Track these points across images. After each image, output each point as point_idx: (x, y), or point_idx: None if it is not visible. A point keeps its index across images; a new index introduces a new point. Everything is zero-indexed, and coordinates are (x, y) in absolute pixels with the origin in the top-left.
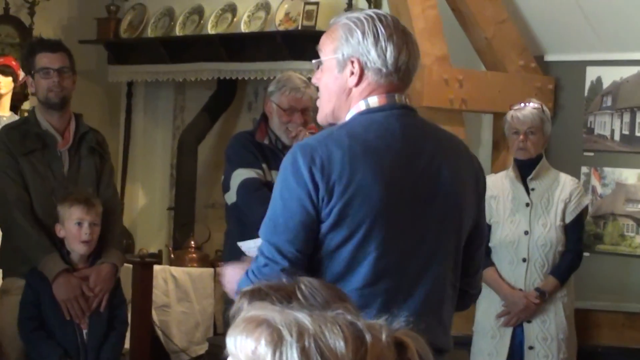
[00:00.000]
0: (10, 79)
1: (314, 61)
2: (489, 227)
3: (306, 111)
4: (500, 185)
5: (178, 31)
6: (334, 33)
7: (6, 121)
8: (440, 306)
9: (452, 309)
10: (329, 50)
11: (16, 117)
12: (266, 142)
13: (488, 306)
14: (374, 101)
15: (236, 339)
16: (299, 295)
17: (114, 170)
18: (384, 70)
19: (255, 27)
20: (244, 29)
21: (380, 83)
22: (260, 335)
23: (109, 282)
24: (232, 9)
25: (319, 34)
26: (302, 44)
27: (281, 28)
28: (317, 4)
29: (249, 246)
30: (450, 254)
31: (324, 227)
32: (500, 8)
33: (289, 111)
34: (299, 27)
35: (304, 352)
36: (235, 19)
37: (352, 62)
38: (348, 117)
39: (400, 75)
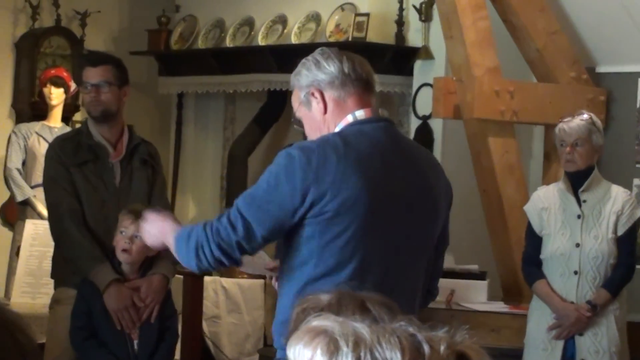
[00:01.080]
0: (61, 90)
1: (296, 126)
2: (540, 239)
3: None
4: (551, 197)
5: (228, 42)
6: (294, 90)
7: (58, 132)
8: (415, 301)
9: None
10: (295, 101)
11: (68, 129)
12: None
13: (539, 319)
14: (361, 114)
15: (295, 348)
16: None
17: (166, 181)
18: (336, 81)
19: (305, 38)
20: (294, 40)
21: (342, 95)
22: (317, 345)
23: (160, 293)
24: (283, 21)
25: (370, 45)
26: None
27: (331, 39)
28: (367, 15)
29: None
30: (427, 254)
31: (317, 221)
32: (551, 19)
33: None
34: (350, 39)
35: None
36: (285, 31)
37: (312, 94)
38: (337, 130)
39: (353, 79)
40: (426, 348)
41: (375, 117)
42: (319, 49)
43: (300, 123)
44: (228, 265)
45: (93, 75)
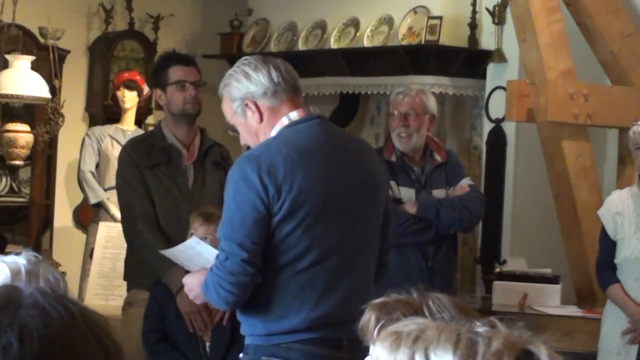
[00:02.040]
0: (135, 93)
1: (230, 132)
2: (614, 243)
3: (408, 115)
4: (625, 202)
5: (301, 46)
6: (224, 99)
7: (131, 135)
8: (370, 277)
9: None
10: (227, 111)
11: (141, 131)
12: (393, 159)
13: (614, 323)
14: (295, 115)
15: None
16: (426, 312)
17: None
18: (268, 91)
19: (378, 41)
20: (366, 43)
21: (275, 103)
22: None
23: None
24: (355, 24)
25: (443, 48)
26: (425, 58)
27: (404, 42)
28: (440, 18)
29: (172, 254)
30: (377, 234)
31: (277, 219)
32: (626, 22)
33: (393, 116)
34: (422, 42)
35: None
36: (358, 34)
37: (247, 105)
38: (274, 133)
39: (283, 87)
40: (481, 344)
41: (308, 116)
42: (243, 59)
43: (234, 129)
44: (250, 283)
45: (189, 74)
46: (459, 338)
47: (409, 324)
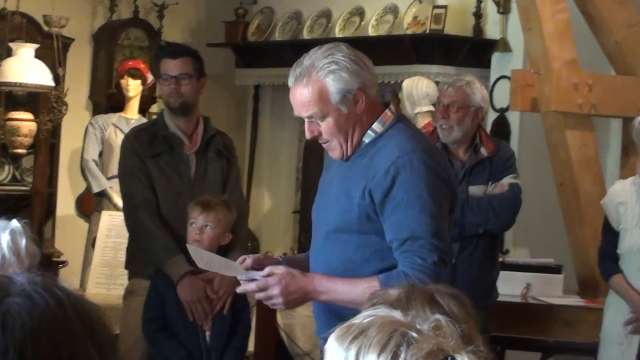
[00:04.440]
0: (139, 81)
1: (307, 121)
2: (617, 233)
3: (450, 107)
4: (628, 192)
5: (305, 34)
6: (319, 86)
7: (134, 123)
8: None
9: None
10: (321, 99)
11: (144, 120)
12: None
13: (616, 313)
14: (392, 109)
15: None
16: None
17: (241, 173)
18: (375, 84)
19: (383, 30)
20: (371, 32)
21: (374, 96)
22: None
23: (233, 285)
24: (360, 13)
25: (447, 37)
26: (430, 47)
27: (409, 32)
28: (445, 7)
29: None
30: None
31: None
32: (631, 11)
33: (438, 107)
34: (427, 31)
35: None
36: (362, 23)
37: (357, 95)
38: (378, 125)
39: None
40: (405, 351)
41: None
42: (335, 45)
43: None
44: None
45: (173, 67)
46: (388, 342)
47: (362, 317)
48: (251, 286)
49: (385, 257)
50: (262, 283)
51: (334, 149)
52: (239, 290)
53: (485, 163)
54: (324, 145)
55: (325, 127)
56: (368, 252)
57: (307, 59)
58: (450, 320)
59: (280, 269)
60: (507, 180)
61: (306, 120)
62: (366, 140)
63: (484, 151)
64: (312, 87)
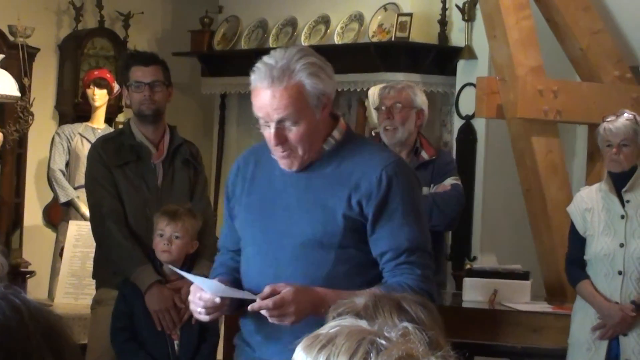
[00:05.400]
0: (104, 91)
1: (276, 126)
2: (584, 240)
3: (393, 108)
4: (594, 198)
5: (271, 43)
6: (298, 88)
7: (101, 133)
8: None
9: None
10: (300, 102)
11: (111, 130)
12: None
13: (583, 319)
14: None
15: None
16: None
17: (208, 182)
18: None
19: (348, 38)
20: (337, 40)
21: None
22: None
23: None
24: (326, 21)
25: (413, 45)
26: (395, 55)
27: (375, 39)
28: (410, 15)
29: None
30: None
31: None
32: (595, 18)
33: (381, 111)
34: (393, 39)
35: None
36: (328, 31)
37: (326, 101)
38: (337, 133)
39: None
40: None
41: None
42: (305, 49)
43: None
44: None
45: (146, 74)
46: (357, 349)
47: (329, 328)
48: (266, 303)
49: (366, 272)
50: (278, 299)
51: (292, 158)
52: (251, 308)
53: (427, 166)
54: (279, 154)
55: (296, 132)
56: (348, 266)
57: (279, 60)
58: (418, 327)
59: (282, 286)
60: (449, 181)
61: (274, 125)
62: (327, 147)
63: (425, 154)
64: (292, 89)
